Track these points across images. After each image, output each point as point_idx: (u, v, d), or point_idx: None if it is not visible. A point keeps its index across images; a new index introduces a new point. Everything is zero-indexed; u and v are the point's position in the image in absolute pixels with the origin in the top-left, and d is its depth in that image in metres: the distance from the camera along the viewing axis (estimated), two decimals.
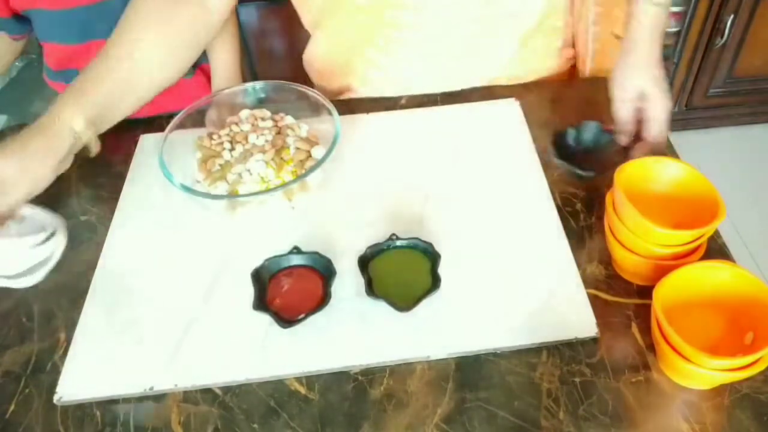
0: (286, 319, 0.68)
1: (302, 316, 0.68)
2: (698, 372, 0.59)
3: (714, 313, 0.65)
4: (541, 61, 1.03)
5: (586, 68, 1.03)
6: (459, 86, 0.98)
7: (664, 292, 0.62)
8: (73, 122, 0.78)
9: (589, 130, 0.86)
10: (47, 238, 0.76)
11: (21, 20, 1.00)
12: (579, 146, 0.86)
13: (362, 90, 1.03)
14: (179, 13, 0.86)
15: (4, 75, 1.04)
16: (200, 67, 1.13)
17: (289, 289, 0.71)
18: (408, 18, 0.92)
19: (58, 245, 0.77)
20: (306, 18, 1.02)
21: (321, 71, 1.08)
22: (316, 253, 0.73)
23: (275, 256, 0.73)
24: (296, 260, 0.73)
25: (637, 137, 0.84)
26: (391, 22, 0.93)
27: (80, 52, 1.03)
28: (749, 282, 0.63)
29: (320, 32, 1.02)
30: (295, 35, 1.81)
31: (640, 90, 0.81)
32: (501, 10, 0.93)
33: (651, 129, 0.82)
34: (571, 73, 1.08)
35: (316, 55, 1.06)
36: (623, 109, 0.83)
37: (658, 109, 0.81)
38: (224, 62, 1.10)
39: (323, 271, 0.72)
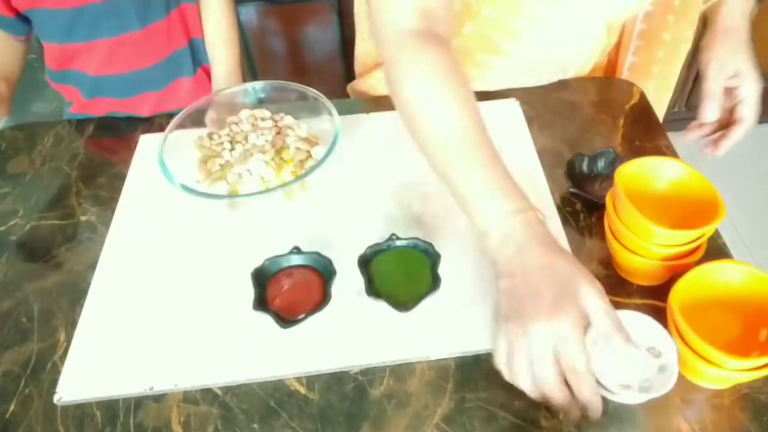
0: (286, 319, 0.68)
1: (302, 316, 0.68)
2: (717, 373, 0.59)
3: (726, 312, 0.65)
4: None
5: None
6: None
7: (680, 294, 0.62)
8: None
9: (604, 158, 0.83)
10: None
11: (25, 20, 1.00)
12: (593, 174, 0.83)
13: None
14: None
15: (18, 78, 1.03)
16: (202, 66, 1.13)
17: (289, 289, 0.71)
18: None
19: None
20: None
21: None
22: (316, 253, 0.73)
23: (275, 256, 0.73)
24: (296, 260, 0.73)
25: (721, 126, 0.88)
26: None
27: (83, 51, 1.03)
28: (761, 280, 0.63)
29: None
30: (296, 35, 1.81)
31: (737, 70, 0.84)
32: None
33: (743, 110, 0.84)
34: None
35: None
36: (717, 88, 0.85)
37: (753, 90, 0.84)
38: (224, 61, 1.10)
39: (323, 271, 0.72)
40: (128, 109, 1.07)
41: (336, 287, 0.71)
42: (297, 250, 0.73)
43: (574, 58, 0.97)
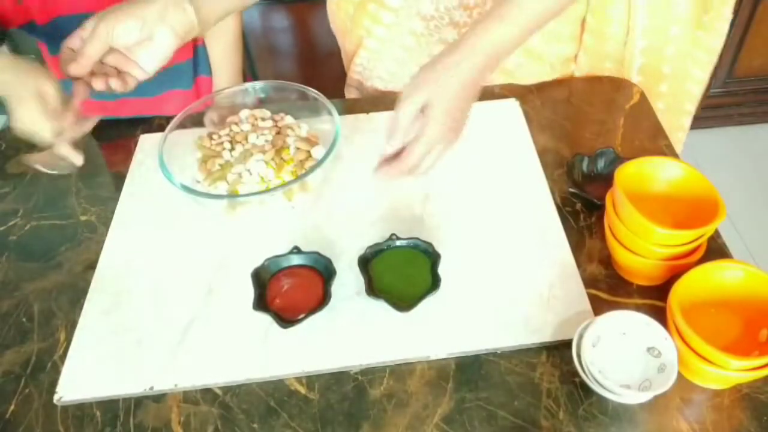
0: (286, 319, 0.68)
1: (302, 316, 0.68)
2: (718, 373, 0.59)
3: (726, 312, 0.66)
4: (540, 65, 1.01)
5: None
6: None
7: (680, 294, 0.62)
8: None
9: (604, 157, 0.83)
10: None
11: None
12: (593, 174, 0.83)
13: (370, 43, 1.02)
14: None
15: None
16: (197, 78, 1.12)
17: (289, 289, 0.71)
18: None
19: None
20: None
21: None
22: (316, 252, 0.73)
23: (275, 256, 0.73)
24: (296, 260, 0.73)
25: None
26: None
27: None
28: (761, 280, 0.63)
29: None
30: (296, 35, 1.81)
31: (427, 103, 0.65)
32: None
33: (411, 149, 0.66)
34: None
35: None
36: (405, 118, 0.66)
37: (431, 134, 0.64)
38: (226, 60, 1.09)
39: (323, 271, 0.72)
40: (154, 110, 1.05)
41: (336, 287, 0.71)
42: (297, 250, 0.73)
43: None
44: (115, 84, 0.72)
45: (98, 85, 0.72)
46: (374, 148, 0.89)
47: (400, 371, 0.67)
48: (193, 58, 1.07)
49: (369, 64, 1.05)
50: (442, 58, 0.63)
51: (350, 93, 1.12)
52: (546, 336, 0.68)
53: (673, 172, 0.71)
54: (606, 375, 0.60)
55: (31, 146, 0.96)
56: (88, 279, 0.77)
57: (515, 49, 0.67)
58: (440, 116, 0.62)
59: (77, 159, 0.74)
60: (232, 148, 0.83)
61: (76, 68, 0.71)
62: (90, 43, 0.71)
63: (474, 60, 0.63)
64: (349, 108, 0.96)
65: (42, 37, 0.99)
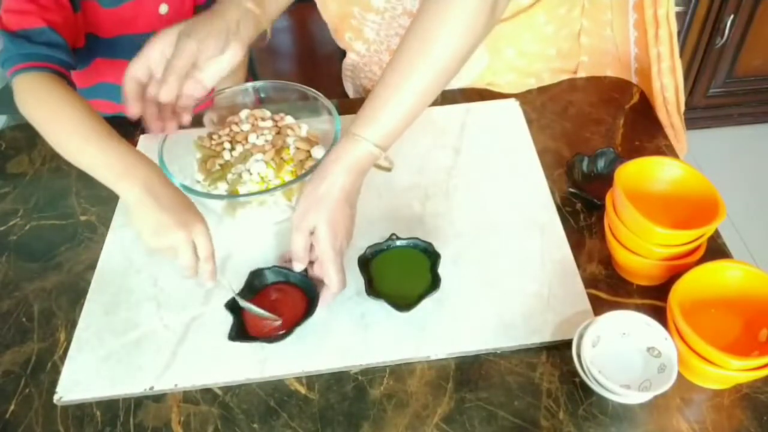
0: (273, 336, 0.67)
1: (282, 333, 0.67)
2: (718, 373, 0.59)
3: (726, 312, 0.66)
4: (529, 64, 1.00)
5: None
6: None
7: (680, 294, 0.62)
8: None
9: (604, 157, 0.83)
10: None
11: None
12: (593, 174, 0.83)
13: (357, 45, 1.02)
14: None
15: None
16: None
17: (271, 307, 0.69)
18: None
19: None
20: None
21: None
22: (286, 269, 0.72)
23: (245, 285, 0.72)
24: (271, 278, 0.73)
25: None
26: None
27: (114, 66, 0.98)
28: (761, 280, 0.63)
29: None
30: (296, 34, 1.81)
31: (315, 227, 0.68)
32: None
33: (324, 273, 0.69)
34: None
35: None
36: (300, 247, 0.70)
37: (327, 256, 0.68)
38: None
39: (301, 285, 0.72)
40: None
41: None
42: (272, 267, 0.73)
43: None
44: (187, 117, 0.75)
45: (171, 128, 0.75)
46: None
47: (400, 371, 0.67)
48: None
49: (355, 71, 1.05)
50: (315, 188, 0.69)
51: (347, 83, 1.12)
52: (546, 336, 0.68)
53: (673, 172, 0.71)
54: (606, 375, 0.60)
55: (32, 146, 0.96)
56: (88, 279, 0.77)
57: (378, 158, 0.71)
58: (326, 235, 0.68)
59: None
60: (232, 148, 0.83)
61: (168, 90, 0.71)
62: (178, 59, 0.70)
63: (343, 179, 0.68)
64: (349, 108, 0.95)
65: (104, 50, 0.97)
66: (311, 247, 0.70)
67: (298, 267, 0.71)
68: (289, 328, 0.67)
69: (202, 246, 0.67)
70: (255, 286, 0.72)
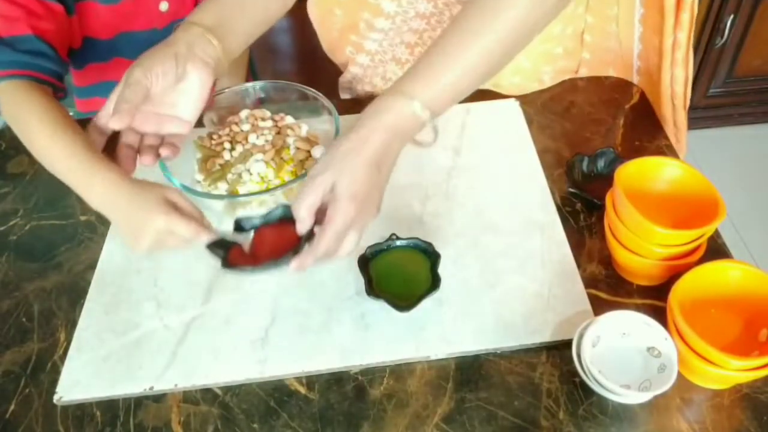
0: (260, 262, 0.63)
1: (272, 261, 0.62)
2: (718, 373, 0.59)
3: (726, 312, 0.66)
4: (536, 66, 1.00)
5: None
6: None
7: (680, 294, 0.62)
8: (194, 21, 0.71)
9: (604, 157, 0.83)
10: None
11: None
12: (593, 174, 0.83)
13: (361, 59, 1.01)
14: None
15: None
16: None
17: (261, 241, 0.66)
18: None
19: None
20: None
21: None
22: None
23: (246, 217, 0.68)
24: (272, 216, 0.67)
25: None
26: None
27: (117, 64, 0.98)
28: (761, 280, 0.63)
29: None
30: (296, 34, 1.81)
31: (333, 186, 0.60)
32: None
33: (321, 237, 0.61)
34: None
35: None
36: (307, 207, 0.61)
37: (338, 222, 0.60)
38: (232, 63, 1.09)
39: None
40: None
41: (336, 287, 0.71)
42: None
43: None
44: (165, 151, 0.70)
45: (147, 160, 0.70)
46: None
47: (400, 371, 0.67)
48: None
49: (354, 82, 1.05)
50: (341, 143, 0.60)
51: (344, 94, 1.12)
52: (546, 336, 0.68)
53: (673, 172, 0.71)
54: (606, 375, 0.60)
55: None
56: (88, 279, 0.77)
57: (424, 126, 0.63)
58: (345, 201, 0.58)
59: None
60: (232, 148, 0.83)
61: (120, 118, 0.66)
62: (129, 89, 0.66)
63: (380, 137, 0.60)
64: (349, 108, 0.95)
65: (105, 52, 0.96)
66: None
67: (302, 228, 0.61)
68: (276, 259, 0.61)
69: (182, 231, 0.62)
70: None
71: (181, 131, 0.72)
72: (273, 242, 0.66)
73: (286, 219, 0.65)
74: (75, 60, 0.97)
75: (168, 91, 0.70)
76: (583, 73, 1.00)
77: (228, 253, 0.65)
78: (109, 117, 0.67)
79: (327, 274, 0.74)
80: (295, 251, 0.62)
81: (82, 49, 0.94)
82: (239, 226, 0.67)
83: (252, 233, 0.66)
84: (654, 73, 0.94)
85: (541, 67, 0.97)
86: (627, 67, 0.99)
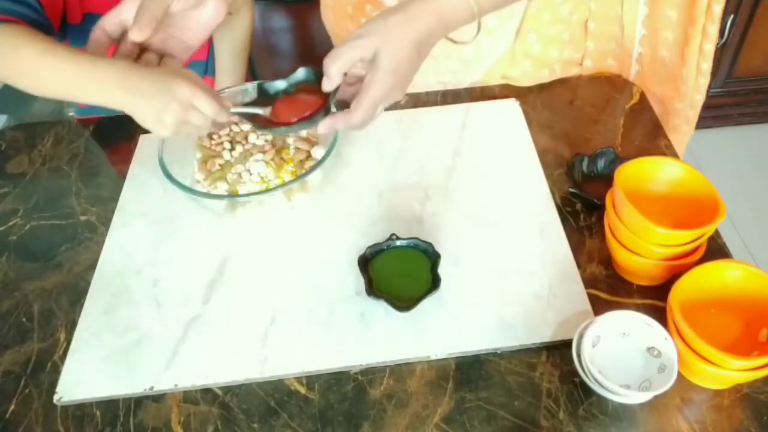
0: (281, 123, 0.67)
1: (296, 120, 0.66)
2: (718, 373, 0.59)
3: (726, 312, 0.66)
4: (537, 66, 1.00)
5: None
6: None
7: (680, 294, 0.62)
8: None
9: (604, 157, 0.83)
10: None
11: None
12: (593, 174, 0.83)
13: None
14: None
15: None
16: (203, 78, 1.11)
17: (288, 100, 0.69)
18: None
19: None
20: None
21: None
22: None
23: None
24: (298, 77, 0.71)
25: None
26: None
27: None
28: (761, 280, 0.63)
29: None
30: (296, 34, 1.81)
31: (375, 54, 0.61)
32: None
33: (356, 105, 0.63)
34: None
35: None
36: (338, 68, 0.64)
37: (378, 89, 0.61)
38: (232, 64, 1.09)
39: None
40: None
41: (336, 287, 0.71)
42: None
43: None
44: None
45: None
46: (375, 147, 0.90)
47: (400, 371, 0.67)
48: (206, 61, 1.07)
49: None
50: (394, 13, 0.60)
51: None
52: (546, 336, 0.68)
53: (673, 172, 0.71)
54: (606, 375, 0.60)
55: (32, 146, 0.96)
56: (88, 279, 0.77)
57: (471, 20, 0.63)
58: (387, 73, 0.59)
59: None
60: (232, 148, 0.83)
61: (140, 29, 0.65)
62: (152, 1, 0.65)
63: (427, 19, 0.60)
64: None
65: (71, 37, 0.96)
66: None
67: (328, 86, 0.63)
68: (308, 120, 0.65)
69: (205, 105, 0.64)
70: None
71: (182, 57, 0.73)
72: (297, 106, 0.68)
73: (309, 82, 0.68)
74: (76, 37, 0.96)
75: (185, 13, 0.70)
76: (588, 64, 1.00)
77: (254, 118, 0.68)
78: (117, 24, 0.66)
79: (327, 274, 0.74)
80: (325, 111, 0.63)
81: (83, 25, 0.92)
82: (263, 91, 0.70)
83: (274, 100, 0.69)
84: (651, 64, 0.93)
85: (549, 51, 0.97)
86: (626, 54, 0.99)
